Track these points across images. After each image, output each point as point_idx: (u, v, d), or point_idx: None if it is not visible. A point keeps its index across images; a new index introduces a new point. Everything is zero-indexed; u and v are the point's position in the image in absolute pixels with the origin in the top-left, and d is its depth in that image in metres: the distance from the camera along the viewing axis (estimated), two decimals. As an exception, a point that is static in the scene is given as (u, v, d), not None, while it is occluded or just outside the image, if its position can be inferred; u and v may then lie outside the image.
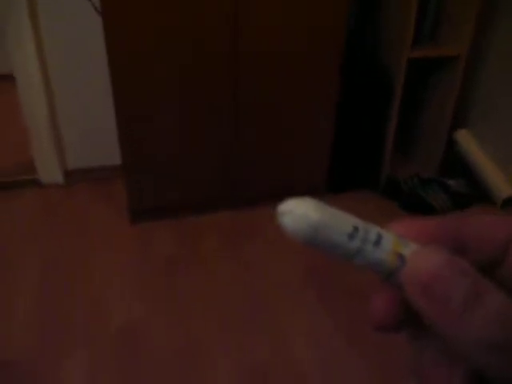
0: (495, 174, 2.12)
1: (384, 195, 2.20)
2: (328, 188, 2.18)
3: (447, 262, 0.19)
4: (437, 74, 2.22)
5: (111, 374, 1.38)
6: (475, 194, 2.16)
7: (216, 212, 2.07)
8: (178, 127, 1.86)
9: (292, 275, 1.76)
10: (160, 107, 1.81)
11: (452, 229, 0.22)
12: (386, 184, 2.23)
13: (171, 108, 1.82)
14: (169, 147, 1.90)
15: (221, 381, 1.38)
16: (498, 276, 0.21)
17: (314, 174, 2.15)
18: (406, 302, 0.20)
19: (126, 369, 1.39)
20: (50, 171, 2.27)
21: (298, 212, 0.20)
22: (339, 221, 0.20)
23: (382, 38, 2.13)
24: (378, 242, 0.20)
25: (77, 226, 2.01)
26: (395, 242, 0.20)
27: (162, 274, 1.76)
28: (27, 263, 1.79)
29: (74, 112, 2.20)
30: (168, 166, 1.93)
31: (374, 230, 0.20)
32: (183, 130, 1.88)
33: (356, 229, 0.20)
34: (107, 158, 2.25)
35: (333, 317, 1.59)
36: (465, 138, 2.27)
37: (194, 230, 1.99)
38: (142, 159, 1.89)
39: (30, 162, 2.26)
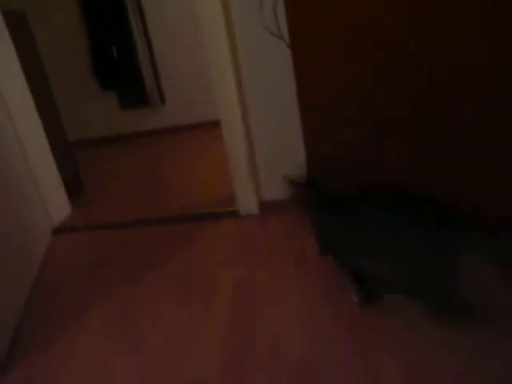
0: None
1: None
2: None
3: None
4: None
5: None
6: None
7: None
8: (371, 156, 1.78)
9: None
10: (350, 137, 1.76)
11: None
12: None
13: (362, 135, 1.76)
14: (361, 177, 1.82)
15: None
16: None
17: None
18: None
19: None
20: (247, 204, 2.42)
21: None
22: None
23: None
24: None
25: (269, 254, 2.08)
26: None
27: (355, 314, 1.66)
28: (219, 285, 1.91)
29: (269, 149, 2.33)
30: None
31: None
32: (376, 156, 1.78)
33: None
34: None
35: None
36: None
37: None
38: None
39: (231, 196, 2.46)
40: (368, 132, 1.74)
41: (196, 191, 2.84)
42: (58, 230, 2.66)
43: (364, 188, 1.66)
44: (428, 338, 1.47)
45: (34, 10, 3.12)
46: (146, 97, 4.04)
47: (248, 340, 1.61)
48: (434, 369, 1.36)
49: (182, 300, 1.89)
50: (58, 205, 2.71)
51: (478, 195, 1.74)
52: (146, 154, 3.77)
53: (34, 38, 2.74)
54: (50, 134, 2.66)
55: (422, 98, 1.66)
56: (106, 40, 3.86)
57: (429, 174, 1.76)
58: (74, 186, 2.95)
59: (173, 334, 1.71)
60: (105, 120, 4.16)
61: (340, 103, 1.71)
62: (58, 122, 2.93)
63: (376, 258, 1.61)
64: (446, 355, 1.40)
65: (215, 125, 2.42)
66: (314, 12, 1.59)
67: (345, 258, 1.74)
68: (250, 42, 2.12)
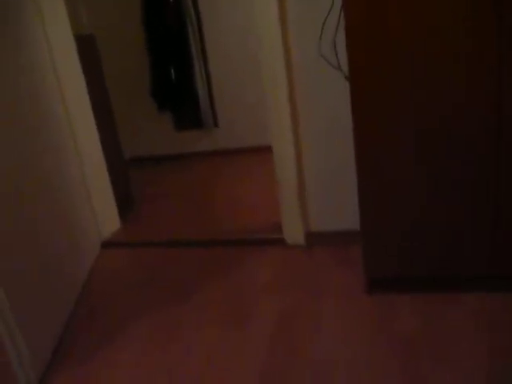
0: None
1: None
2: None
3: None
4: None
5: None
6: None
7: (466, 292, 1.80)
8: (425, 195, 1.72)
9: None
10: (404, 175, 1.71)
11: None
12: None
13: (416, 175, 1.70)
14: (413, 215, 1.76)
15: None
16: None
17: None
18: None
19: None
20: (294, 233, 2.39)
21: None
22: None
23: None
24: None
25: (311, 287, 2.03)
26: None
27: (396, 352, 1.58)
28: (262, 314, 1.88)
29: (319, 180, 2.30)
30: (411, 234, 1.78)
31: None
32: (429, 197, 1.72)
33: None
34: (349, 222, 2.25)
35: None
36: None
37: (439, 309, 1.75)
38: (381, 227, 1.80)
39: (279, 224, 2.43)
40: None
41: (243, 216, 2.84)
42: (107, 244, 2.72)
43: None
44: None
45: (103, 33, 3.28)
46: (200, 119, 4.13)
47: (287, 375, 1.56)
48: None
49: (222, 325, 1.87)
50: (108, 219, 2.79)
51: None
52: (196, 176, 3.83)
53: (100, 59, 2.88)
54: (107, 149, 2.76)
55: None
56: (167, 63, 4.00)
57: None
58: (124, 202, 3.03)
59: (209, 361, 1.69)
60: (159, 139, 4.28)
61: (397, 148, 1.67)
62: (116, 139, 3.03)
63: None
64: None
65: (267, 150, 2.42)
66: (376, 45, 1.57)
67: None
68: (308, 71, 2.12)
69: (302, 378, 1.54)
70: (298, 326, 1.79)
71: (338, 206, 2.30)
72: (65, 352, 1.85)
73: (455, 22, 1.49)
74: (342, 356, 1.60)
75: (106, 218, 2.77)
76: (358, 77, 1.62)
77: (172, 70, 4.02)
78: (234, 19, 3.85)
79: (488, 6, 1.44)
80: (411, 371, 1.49)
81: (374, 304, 1.85)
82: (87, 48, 2.69)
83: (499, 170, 1.62)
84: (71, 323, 2.03)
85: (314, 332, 1.75)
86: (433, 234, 1.77)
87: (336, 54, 2.03)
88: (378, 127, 1.67)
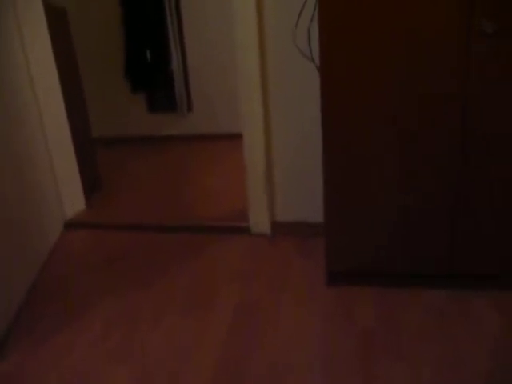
0: None
1: None
2: None
3: None
4: None
5: None
6: None
7: (425, 288, 1.84)
8: (389, 191, 1.74)
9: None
10: (370, 169, 1.72)
11: None
12: None
13: (382, 170, 1.71)
14: (376, 210, 1.78)
15: None
16: None
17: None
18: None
19: None
20: (259, 222, 2.39)
21: None
22: None
23: None
24: None
25: (274, 277, 2.04)
26: None
27: (354, 346, 1.60)
28: (222, 304, 1.88)
29: (288, 170, 2.30)
30: (373, 229, 1.81)
31: None
32: (394, 194, 1.74)
33: None
34: (314, 214, 2.26)
35: None
36: None
37: (397, 304, 1.79)
38: (344, 220, 1.81)
39: (244, 212, 2.43)
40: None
41: (211, 202, 2.82)
42: (70, 224, 2.67)
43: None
44: None
45: (76, 7, 3.18)
46: (174, 103, 4.07)
47: (242, 366, 1.57)
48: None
49: (183, 312, 1.86)
50: (72, 198, 2.73)
51: None
52: (166, 159, 3.78)
53: (70, 34, 2.79)
54: (75, 126, 2.69)
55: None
56: (142, 44, 3.91)
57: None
58: (91, 183, 2.97)
59: (169, 345, 1.68)
60: (131, 120, 4.20)
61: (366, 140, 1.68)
62: (85, 117, 2.96)
63: None
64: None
65: (238, 137, 2.41)
66: (347, 38, 1.57)
67: None
68: (281, 60, 2.11)
69: (257, 373, 1.54)
70: (256, 318, 1.79)
71: (305, 197, 2.30)
72: (18, 333, 1.81)
73: (429, 21, 1.51)
74: (298, 352, 1.61)
75: (70, 197, 2.71)
76: (329, 68, 1.61)
77: (148, 51, 3.94)
78: (213, 3, 3.79)
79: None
80: (367, 369, 1.51)
81: (334, 297, 1.86)
82: (57, 21, 2.60)
83: (463, 171, 1.66)
84: (29, 302, 1.99)
85: (272, 325, 1.75)
86: (394, 230, 1.79)
87: (309, 44, 2.02)
88: (345, 120, 1.67)
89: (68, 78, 2.66)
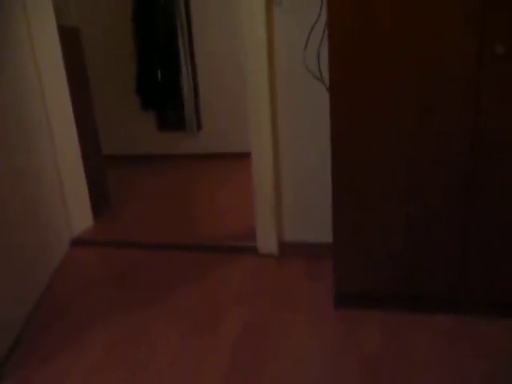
0: None
1: None
2: None
3: None
4: None
5: None
6: None
7: (434, 313, 1.80)
8: (399, 214, 1.71)
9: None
10: (379, 192, 1.70)
11: None
12: None
13: (392, 194, 1.69)
14: (386, 233, 1.75)
15: None
16: None
17: None
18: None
19: None
20: (267, 242, 2.37)
21: None
22: None
23: None
24: None
25: (280, 299, 2.00)
26: None
27: (359, 371, 1.56)
28: (228, 325, 1.84)
29: (296, 190, 2.29)
30: (383, 252, 1.78)
31: None
32: (403, 217, 1.71)
33: None
34: (323, 235, 2.23)
35: None
36: None
37: (407, 329, 1.74)
38: (353, 242, 1.79)
39: (252, 232, 2.41)
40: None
41: (219, 222, 2.81)
42: (77, 241, 2.66)
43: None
44: None
45: (88, 24, 3.24)
46: (183, 121, 4.09)
47: (246, 387, 1.53)
48: None
49: (187, 334, 1.83)
50: (80, 215, 2.73)
51: None
52: (175, 178, 3.79)
53: (83, 52, 2.83)
54: (85, 144, 2.70)
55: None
56: (154, 62, 3.96)
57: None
58: (99, 200, 2.97)
59: (171, 368, 1.65)
60: (141, 139, 4.23)
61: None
62: (94, 134, 2.97)
63: None
64: None
65: (247, 157, 2.40)
66: (357, 62, 1.57)
67: None
68: (291, 81, 2.11)
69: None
70: (262, 341, 1.76)
71: (313, 217, 2.28)
72: (22, 350, 1.79)
73: (439, 43, 1.50)
74: (303, 376, 1.57)
75: (78, 214, 2.71)
76: (338, 90, 1.61)
77: (159, 69, 3.98)
78: (224, 24, 3.84)
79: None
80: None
81: (342, 320, 1.83)
82: (71, 40, 2.64)
83: (472, 191, 1.63)
84: (32, 322, 1.97)
85: (278, 348, 1.72)
86: (405, 253, 1.76)
87: (319, 66, 2.03)
88: (355, 142, 1.66)
89: (79, 95, 2.69)
